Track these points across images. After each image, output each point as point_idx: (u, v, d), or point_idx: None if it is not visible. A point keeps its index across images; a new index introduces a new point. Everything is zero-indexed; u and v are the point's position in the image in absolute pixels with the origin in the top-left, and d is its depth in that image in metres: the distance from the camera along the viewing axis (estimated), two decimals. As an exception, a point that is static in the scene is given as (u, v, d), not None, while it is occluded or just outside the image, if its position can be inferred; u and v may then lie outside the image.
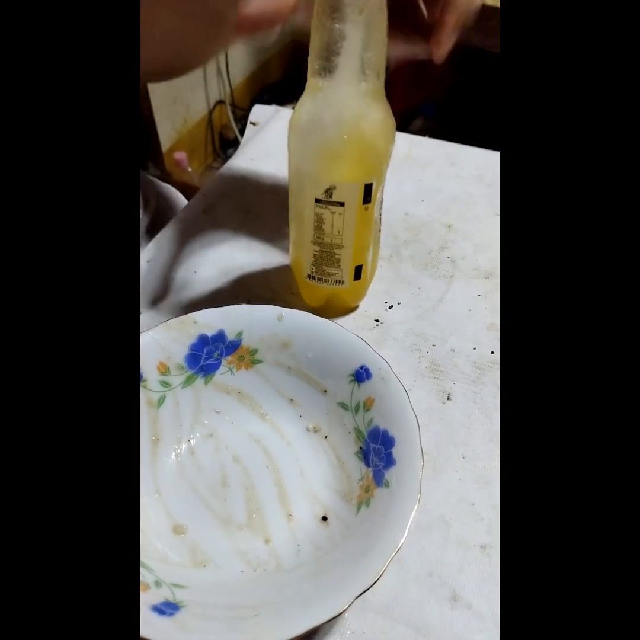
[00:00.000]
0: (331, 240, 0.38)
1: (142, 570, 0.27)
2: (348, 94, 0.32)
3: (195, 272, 0.46)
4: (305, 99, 0.34)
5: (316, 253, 0.39)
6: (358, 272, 0.40)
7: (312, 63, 0.32)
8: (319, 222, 0.37)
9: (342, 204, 0.35)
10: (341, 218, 0.36)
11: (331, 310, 0.43)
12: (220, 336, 0.35)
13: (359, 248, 0.38)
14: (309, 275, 0.40)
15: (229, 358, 0.36)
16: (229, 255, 0.48)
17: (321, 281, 0.40)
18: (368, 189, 0.35)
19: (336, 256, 0.38)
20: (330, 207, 0.36)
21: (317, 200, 0.35)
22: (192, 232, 0.50)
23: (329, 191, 0.35)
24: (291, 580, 0.28)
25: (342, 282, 0.40)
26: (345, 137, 0.33)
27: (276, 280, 0.46)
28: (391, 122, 0.35)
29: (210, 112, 1.81)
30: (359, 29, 0.30)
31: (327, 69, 0.31)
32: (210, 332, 0.35)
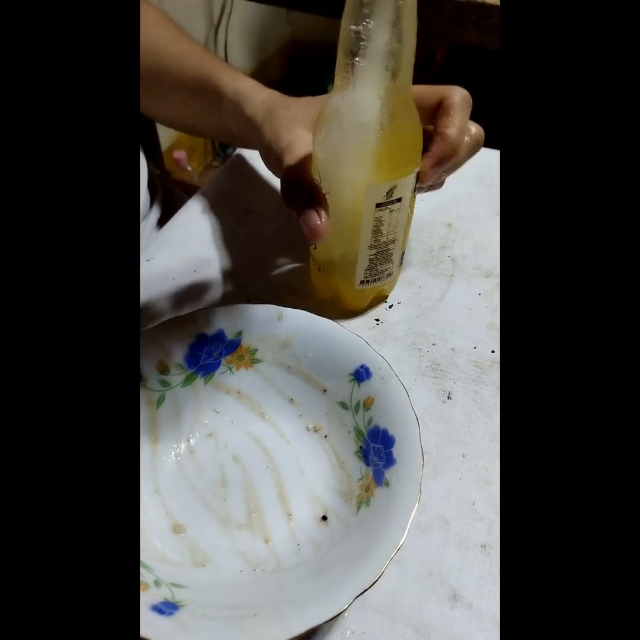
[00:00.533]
0: (387, 238, 0.37)
1: (141, 570, 0.27)
2: (378, 93, 0.31)
3: (195, 271, 0.46)
4: (332, 112, 0.32)
5: (372, 256, 0.38)
6: (401, 258, 0.40)
7: (341, 72, 0.31)
8: (377, 225, 0.36)
9: (399, 200, 0.35)
10: (397, 214, 0.36)
11: (371, 306, 0.43)
12: (219, 335, 0.35)
13: (405, 235, 0.39)
14: (362, 282, 0.39)
15: (229, 357, 0.36)
16: (229, 255, 0.47)
17: (374, 282, 0.40)
18: (417, 174, 0.35)
19: (390, 252, 0.38)
20: (390, 206, 0.35)
21: (378, 205, 0.35)
22: (191, 232, 0.50)
23: (390, 192, 0.34)
24: (291, 580, 0.28)
25: (391, 274, 0.40)
26: (395, 134, 0.32)
27: (276, 279, 0.46)
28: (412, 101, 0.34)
29: (210, 112, 1.81)
30: (387, 25, 0.28)
31: (352, 73, 0.30)
32: (209, 332, 0.35)
